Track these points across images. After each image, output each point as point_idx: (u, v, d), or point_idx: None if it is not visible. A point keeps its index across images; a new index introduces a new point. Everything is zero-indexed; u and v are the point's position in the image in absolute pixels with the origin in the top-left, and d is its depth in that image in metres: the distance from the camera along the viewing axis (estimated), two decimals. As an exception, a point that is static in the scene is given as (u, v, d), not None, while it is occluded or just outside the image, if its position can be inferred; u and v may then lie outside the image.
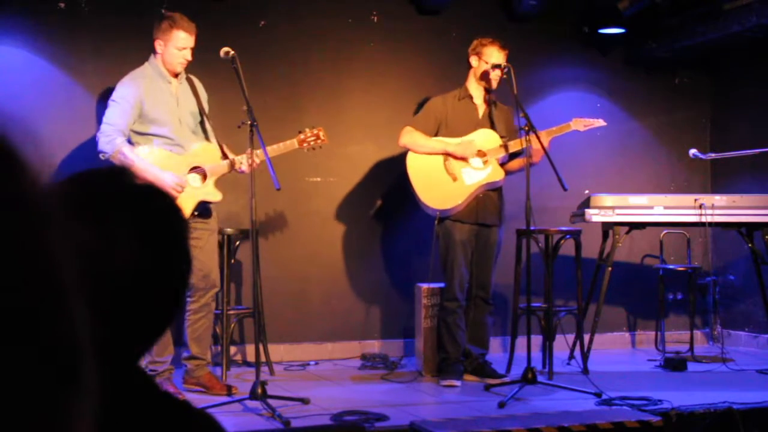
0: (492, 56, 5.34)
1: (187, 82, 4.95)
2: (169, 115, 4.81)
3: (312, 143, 5.17)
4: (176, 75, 4.88)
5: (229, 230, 5.47)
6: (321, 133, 5.18)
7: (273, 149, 4.94)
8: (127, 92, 4.75)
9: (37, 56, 5.63)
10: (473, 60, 5.43)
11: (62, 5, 5.68)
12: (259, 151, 4.72)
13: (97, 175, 1.15)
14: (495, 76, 5.37)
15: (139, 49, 5.75)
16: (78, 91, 5.72)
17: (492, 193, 5.42)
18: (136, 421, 1.08)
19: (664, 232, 6.74)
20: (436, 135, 5.43)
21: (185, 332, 4.96)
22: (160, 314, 1.14)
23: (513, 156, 5.45)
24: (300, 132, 5.16)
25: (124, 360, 1.11)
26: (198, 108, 4.93)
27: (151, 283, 1.11)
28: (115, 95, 4.78)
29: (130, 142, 4.74)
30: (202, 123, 4.96)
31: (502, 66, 5.25)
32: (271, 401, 4.39)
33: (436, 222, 5.39)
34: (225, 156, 4.88)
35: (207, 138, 4.95)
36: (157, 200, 1.16)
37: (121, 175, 1.14)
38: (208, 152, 4.88)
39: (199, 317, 4.94)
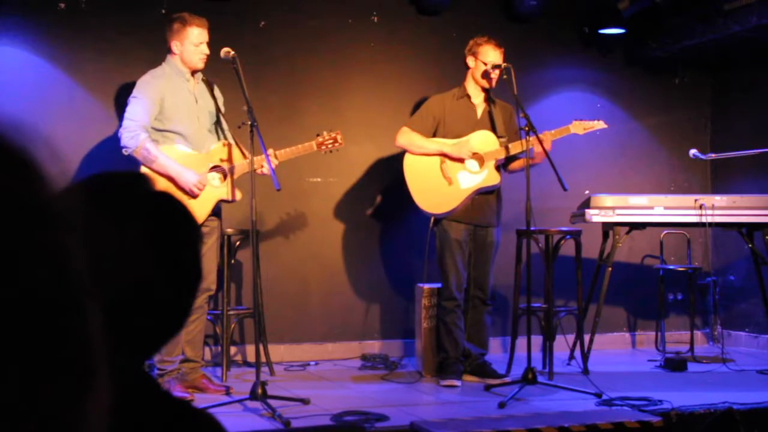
0: (488, 56, 5.34)
1: (203, 83, 4.96)
2: (188, 113, 4.84)
3: (330, 146, 5.16)
4: (194, 72, 4.89)
5: (229, 230, 5.47)
6: (339, 137, 5.17)
7: (290, 151, 4.97)
8: (148, 88, 4.77)
9: (37, 56, 5.63)
10: (470, 60, 5.43)
11: (62, 5, 5.68)
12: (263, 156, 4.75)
13: (115, 181, 1.15)
14: (494, 75, 5.37)
15: (139, 49, 5.76)
16: (78, 91, 5.72)
17: (488, 195, 5.42)
18: (139, 421, 1.08)
19: (665, 232, 6.74)
20: (434, 135, 5.42)
21: (179, 335, 4.96)
22: (170, 319, 1.14)
23: (512, 157, 5.46)
24: (318, 135, 5.15)
25: (132, 362, 1.11)
26: (215, 108, 4.95)
27: (163, 289, 1.11)
28: (135, 92, 4.80)
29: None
30: (218, 123, 4.97)
31: (502, 66, 5.24)
32: (271, 401, 4.39)
33: (431, 223, 5.39)
34: (244, 156, 4.88)
35: (226, 139, 4.96)
36: (172, 207, 1.16)
37: (138, 181, 1.15)
38: (227, 152, 4.88)
39: (193, 320, 4.93)
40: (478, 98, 5.47)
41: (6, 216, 0.50)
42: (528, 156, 5.07)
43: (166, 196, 1.17)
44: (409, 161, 5.41)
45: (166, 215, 1.14)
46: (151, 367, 4.83)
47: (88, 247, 0.54)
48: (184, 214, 1.16)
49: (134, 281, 1.07)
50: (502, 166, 5.50)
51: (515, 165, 5.49)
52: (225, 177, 4.87)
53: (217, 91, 5.03)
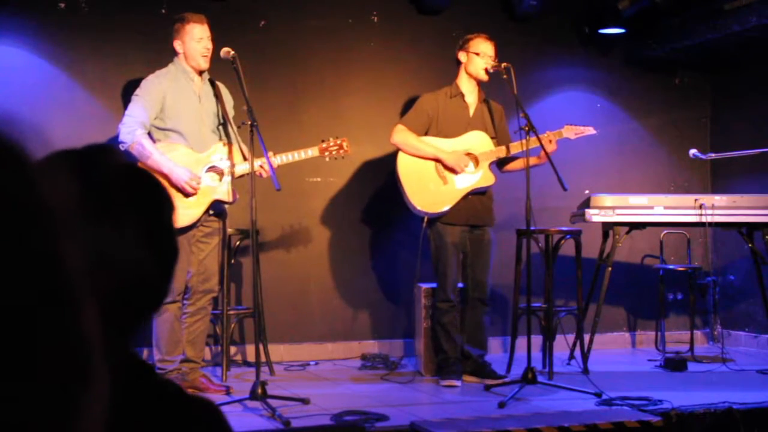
0: (480, 47, 5.34)
1: (210, 84, 4.97)
2: (190, 112, 4.85)
3: (334, 153, 5.16)
4: (201, 73, 4.91)
5: (229, 230, 5.46)
6: (345, 144, 5.16)
7: (290, 156, 4.97)
8: (151, 87, 4.81)
9: (38, 56, 5.63)
10: (461, 55, 5.43)
11: (62, 5, 5.68)
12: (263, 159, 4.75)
13: (89, 161, 1.12)
14: (485, 63, 5.32)
15: (139, 49, 5.77)
16: (78, 91, 5.72)
17: (481, 195, 5.42)
18: (135, 408, 1.07)
19: (664, 232, 6.74)
20: (426, 134, 5.41)
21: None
22: (152, 302, 1.14)
23: (506, 161, 5.48)
24: (323, 140, 5.15)
25: (120, 344, 1.11)
26: (221, 110, 4.95)
27: (149, 275, 1.10)
28: (138, 90, 4.85)
29: (150, 136, 4.77)
30: (224, 126, 4.97)
31: (502, 66, 5.21)
32: (271, 401, 4.39)
33: (424, 224, 5.38)
34: (245, 158, 4.89)
35: (228, 140, 4.95)
36: (156, 191, 1.15)
37: (111, 158, 1.13)
38: (227, 153, 4.88)
39: (195, 320, 4.93)
40: (471, 96, 5.46)
41: (1, 215, 0.50)
42: (528, 156, 5.08)
43: (150, 179, 1.16)
44: (403, 160, 5.39)
45: (152, 198, 1.13)
46: (152, 366, 4.82)
47: (83, 241, 0.54)
48: (165, 195, 1.16)
49: (125, 271, 1.06)
50: (496, 166, 5.52)
51: (512, 166, 5.50)
52: (222, 177, 4.86)
53: (226, 94, 5.03)
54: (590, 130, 5.58)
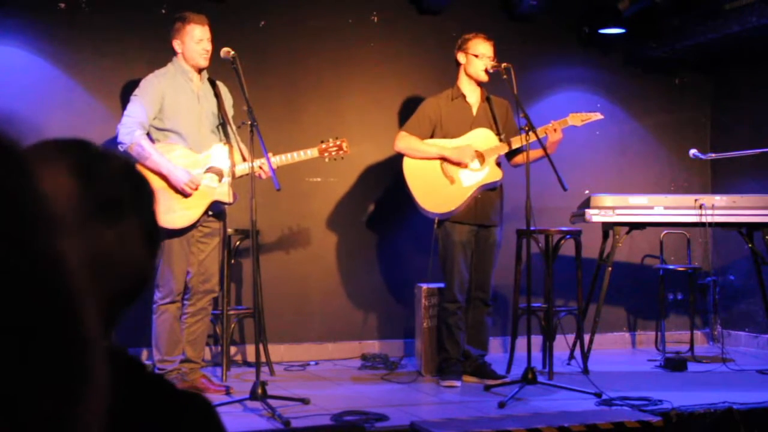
0: (478, 48, 5.34)
1: (210, 83, 4.96)
2: (189, 113, 4.84)
3: (334, 153, 5.15)
4: (200, 72, 4.90)
5: (229, 231, 5.46)
6: (344, 144, 5.15)
7: (291, 157, 4.97)
8: (149, 87, 4.80)
9: (38, 56, 5.64)
10: (460, 56, 5.42)
11: (62, 5, 5.68)
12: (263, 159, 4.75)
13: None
14: (484, 65, 5.32)
15: (139, 49, 5.77)
16: (78, 91, 5.72)
17: (491, 193, 5.41)
18: (127, 403, 1.07)
19: (665, 232, 6.74)
20: (431, 137, 5.41)
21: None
22: (136, 295, 1.13)
23: (515, 153, 5.46)
24: (322, 141, 5.15)
25: (107, 345, 1.10)
26: (219, 110, 4.94)
27: (143, 269, 1.10)
28: (137, 90, 4.83)
29: (150, 137, 4.77)
30: (224, 126, 4.96)
31: (502, 66, 5.21)
32: (271, 401, 4.39)
33: (435, 224, 5.38)
34: (244, 159, 4.88)
35: (228, 141, 4.95)
36: (147, 184, 1.15)
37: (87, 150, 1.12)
38: (226, 153, 4.88)
39: (196, 320, 4.93)
40: (472, 96, 5.46)
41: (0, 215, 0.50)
42: (528, 152, 5.07)
43: (130, 164, 1.15)
44: (408, 163, 5.39)
45: (138, 185, 1.12)
46: (152, 366, 4.83)
47: (83, 239, 0.54)
48: (146, 179, 1.15)
49: (125, 264, 1.06)
50: (506, 159, 5.52)
51: (520, 158, 5.46)
52: (221, 178, 4.85)
53: (225, 93, 5.01)
54: (597, 116, 5.54)
